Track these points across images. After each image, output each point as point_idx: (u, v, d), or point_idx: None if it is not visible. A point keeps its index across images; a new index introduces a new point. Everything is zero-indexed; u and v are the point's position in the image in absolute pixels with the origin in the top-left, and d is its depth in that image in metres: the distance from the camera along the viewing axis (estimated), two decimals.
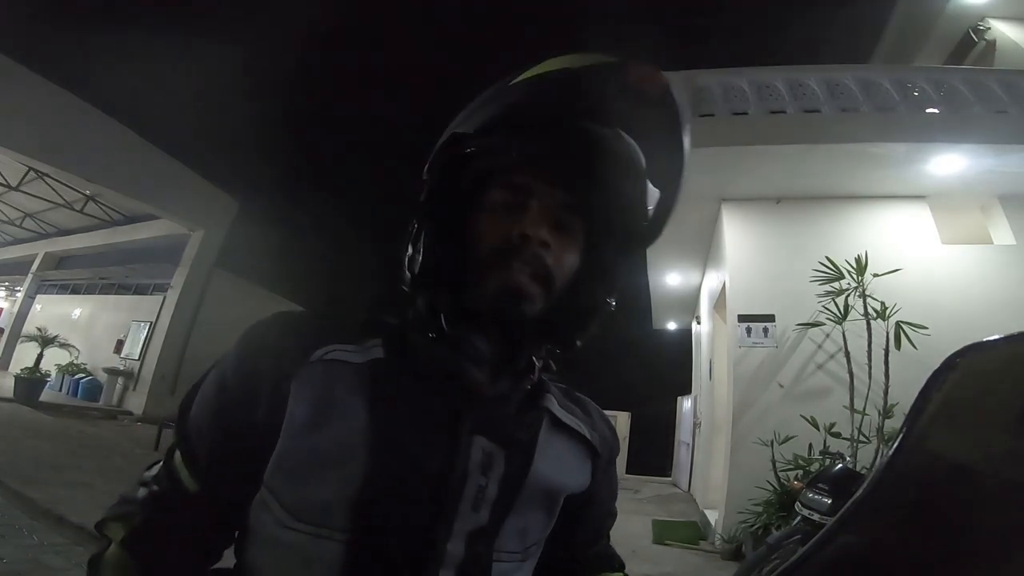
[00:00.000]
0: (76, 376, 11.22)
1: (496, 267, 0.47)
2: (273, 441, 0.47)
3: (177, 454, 0.52)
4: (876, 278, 4.35)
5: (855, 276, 4.38)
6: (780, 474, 4.23)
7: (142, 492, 0.51)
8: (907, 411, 0.47)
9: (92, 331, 12.24)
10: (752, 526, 4.18)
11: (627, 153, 0.49)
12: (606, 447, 0.61)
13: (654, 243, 0.56)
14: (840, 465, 3.29)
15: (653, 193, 0.53)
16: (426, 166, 0.53)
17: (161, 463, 0.53)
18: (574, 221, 0.51)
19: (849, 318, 4.37)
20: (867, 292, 4.33)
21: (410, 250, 0.50)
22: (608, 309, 0.54)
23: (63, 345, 10.52)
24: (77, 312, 13.18)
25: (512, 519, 0.50)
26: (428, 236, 0.49)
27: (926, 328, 4.04)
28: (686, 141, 0.51)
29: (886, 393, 4.02)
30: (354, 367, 0.49)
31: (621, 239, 0.54)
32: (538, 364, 0.55)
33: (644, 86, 0.48)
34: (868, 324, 4.28)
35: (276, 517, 0.47)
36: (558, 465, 0.54)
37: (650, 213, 0.53)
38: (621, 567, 0.66)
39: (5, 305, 16.58)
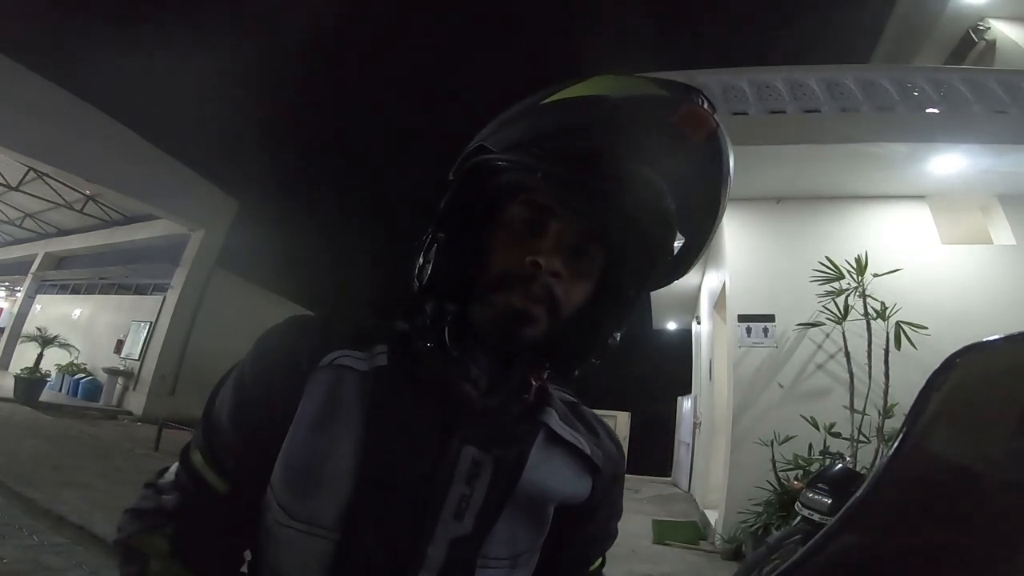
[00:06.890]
0: (76, 376, 11.20)
1: (504, 289, 0.47)
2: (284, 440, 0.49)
3: (198, 456, 0.53)
4: (876, 278, 4.35)
5: (855, 276, 4.38)
6: (780, 474, 4.23)
7: (169, 500, 0.51)
8: (907, 411, 0.47)
9: (92, 331, 12.21)
10: (752, 526, 4.18)
11: (656, 193, 0.47)
12: (609, 464, 0.59)
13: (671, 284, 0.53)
14: (840, 465, 3.28)
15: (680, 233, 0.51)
16: (452, 171, 0.52)
17: (175, 468, 0.54)
18: (592, 249, 0.50)
19: (849, 318, 4.37)
20: (867, 292, 4.33)
21: (421, 259, 0.50)
22: (613, 344, 0.52)
23: (63, 345, 10.50)
24: (77, 312, 13.16)
25: (500, 527, 0.50)
26: (440, 248, 0.49)
27: (926, 328, 4.04)
28: (724, 192, 0.48)
29: (886, 393, 4.02)
30: (359, 374, 0.50)
31: (638, 276, 0.51)
32: (535, 384, 0.54)
33: (690, 129, 0.45)
34: (868, 324, 4.28)
35: (274, 514, 0.48)
36: (551, 476, 0.53)
37: (674, 252, 0.51)
38: None
39: (5, 305, 16.56)
